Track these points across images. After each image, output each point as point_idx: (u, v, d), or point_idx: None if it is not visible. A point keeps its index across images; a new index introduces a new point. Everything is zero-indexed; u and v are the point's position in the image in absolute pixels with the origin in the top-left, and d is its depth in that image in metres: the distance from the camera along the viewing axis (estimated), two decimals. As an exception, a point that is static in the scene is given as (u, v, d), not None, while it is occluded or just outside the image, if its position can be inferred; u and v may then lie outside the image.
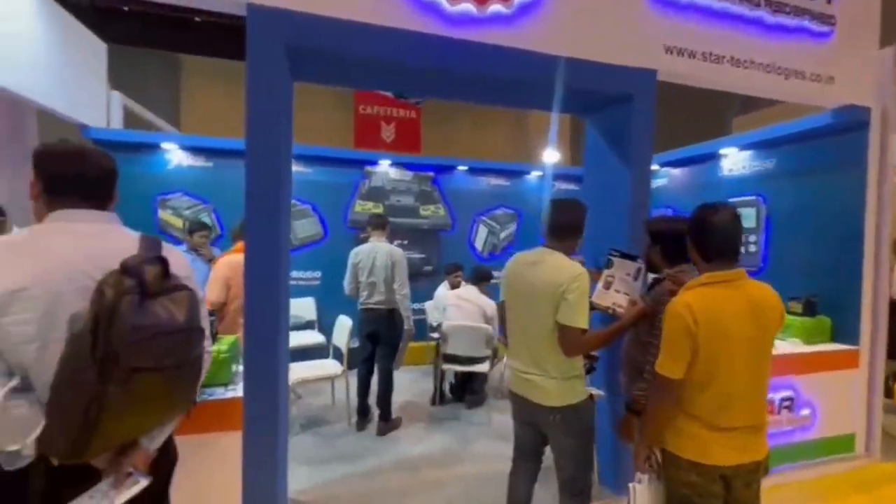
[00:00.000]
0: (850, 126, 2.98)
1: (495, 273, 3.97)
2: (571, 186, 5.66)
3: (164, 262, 1.06)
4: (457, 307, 3.70)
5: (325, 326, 4.42)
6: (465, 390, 3.89)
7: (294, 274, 4.65)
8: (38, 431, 0.95)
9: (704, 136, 4.25)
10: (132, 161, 4.15)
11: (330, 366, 3.53)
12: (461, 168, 5.37)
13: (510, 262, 1.86)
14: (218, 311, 2.72)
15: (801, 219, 3.29)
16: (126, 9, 5.28)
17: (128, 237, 1.15)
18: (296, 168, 4.70)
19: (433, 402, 3.92)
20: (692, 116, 6.31)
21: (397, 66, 2.08)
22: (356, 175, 4.97)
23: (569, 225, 1.77)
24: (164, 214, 4.40)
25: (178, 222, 4.41)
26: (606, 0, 2.30)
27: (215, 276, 2.78)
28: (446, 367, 3.69)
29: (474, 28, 2.07)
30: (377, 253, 3.37)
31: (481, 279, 3.84)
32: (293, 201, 4.56)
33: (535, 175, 5.67)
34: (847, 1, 2.81)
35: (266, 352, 1.84)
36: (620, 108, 2.49)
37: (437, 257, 5.15)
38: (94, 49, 4.06)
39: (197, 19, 5.52)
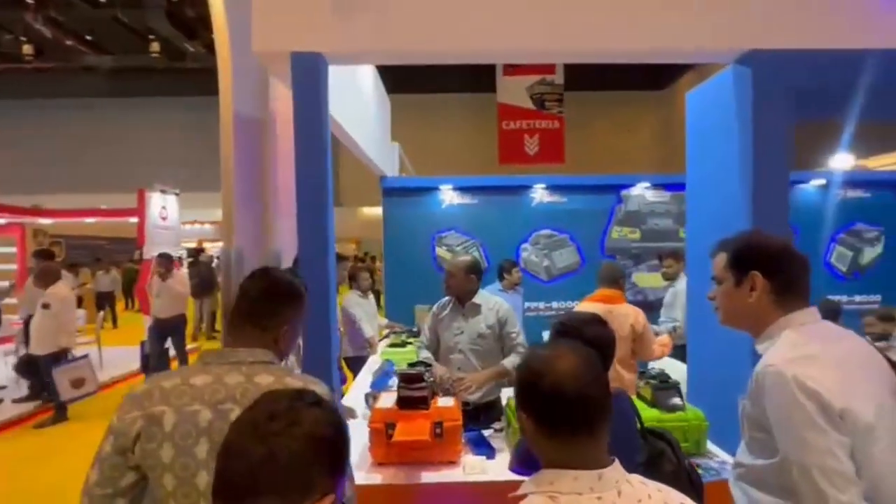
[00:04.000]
0: None
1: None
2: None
3: None
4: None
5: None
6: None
7: (554, 304, 4.65)
8: None
9: None
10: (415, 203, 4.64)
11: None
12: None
13: None
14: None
15: None
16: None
17: None
18: (550, 198, 4.75)
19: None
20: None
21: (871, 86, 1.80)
22: (612, 200, 4.81)
23: None
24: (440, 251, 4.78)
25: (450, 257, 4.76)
26: None
27: None
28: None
29: None
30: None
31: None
32: (549, 231, 4.59)
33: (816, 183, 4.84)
34: None
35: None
36: None
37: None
38: (385, 102, 4.62)
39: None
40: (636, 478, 0.76)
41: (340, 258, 3.51)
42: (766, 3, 1.72)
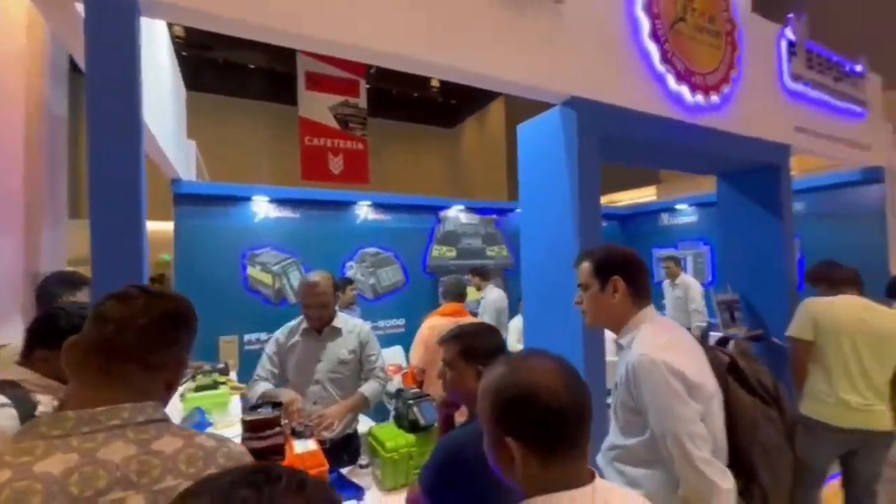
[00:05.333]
0: (868, 180, 3.95)
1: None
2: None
3: None
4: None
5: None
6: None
7: (381, 323, 4.61)
8: None
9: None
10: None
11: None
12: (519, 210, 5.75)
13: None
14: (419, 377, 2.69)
15: (829, 253, 4.17)
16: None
17: None
18: (375, 216, 4.74)
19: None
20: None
21: (656, 144, 2.45)
22: (432, 220, 5.10)
23: None
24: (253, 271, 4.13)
25: (268, 278, 4.17)
26: (763, 95, 2.92)
27: (418, 339, 2.75)
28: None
29: (700, 115, 2.53)
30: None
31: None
32: (375, 249, 4.60)
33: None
34: (868, 90, 3.79)
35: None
36: (759, 172, 3.10)
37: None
38: (181, 90, 3.82)
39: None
40: (605, 483, 0.76)
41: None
42: (586, 59, 2.12)
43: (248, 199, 4.13)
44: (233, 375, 3.32)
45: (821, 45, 3.36)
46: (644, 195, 11.81)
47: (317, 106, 6.38)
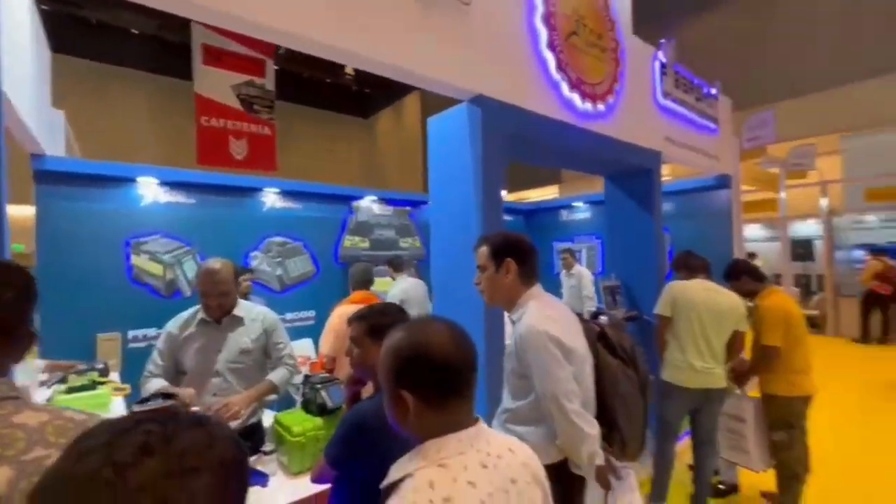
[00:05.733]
0: (720, 185, 4.74)
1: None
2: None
3: None
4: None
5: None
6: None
7: (289, 315, 4.46)
8: None
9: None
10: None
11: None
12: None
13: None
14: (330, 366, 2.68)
15: (692, 245, 4.95)
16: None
17: None
18: (283, 204, 4.56)
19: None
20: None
21: (552, 145, 2.70)
22: (344, 210, 5.01)
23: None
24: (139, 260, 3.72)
25: (157, 269, 3.79)
26: (640, 107, 3.36)
27: (329, 327, 2.74)
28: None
29: (590, 121, 2.84)
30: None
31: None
32: (283, 239, 4.44)
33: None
34: (720, 110, 4.54)
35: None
36: (638, 175, 3.57)
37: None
38: (45, 53, 3.31)
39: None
40: (487, 427, 0.86)
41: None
42: (492, 60, 2.27)
43: (131, 180, 3.70)
44: (115, 376, 2.99)
45: (686, 68, 3.95)
46: (549, 193, 12.76)
47: (216, 83, 5.86)
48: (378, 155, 20.18)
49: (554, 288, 6.27)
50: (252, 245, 4.33)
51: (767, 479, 2.72)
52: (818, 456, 2.70)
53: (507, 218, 6.75)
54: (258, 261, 4.33)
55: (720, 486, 2.92)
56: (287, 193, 4.58)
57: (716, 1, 10.33)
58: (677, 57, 3.77)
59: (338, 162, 19.51)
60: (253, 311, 1.93)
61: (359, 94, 17.55)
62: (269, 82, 6.38)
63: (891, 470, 3.22)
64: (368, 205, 5.20)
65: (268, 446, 1.79)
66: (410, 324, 0.86)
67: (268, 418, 2.08)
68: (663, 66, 3.64)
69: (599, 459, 1.36)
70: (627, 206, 3.69)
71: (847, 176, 8.33)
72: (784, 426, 2.56)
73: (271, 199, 4.49)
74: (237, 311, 1.87)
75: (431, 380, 0.77)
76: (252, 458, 1.77)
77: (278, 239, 4.47)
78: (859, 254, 8.13)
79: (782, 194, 6.14)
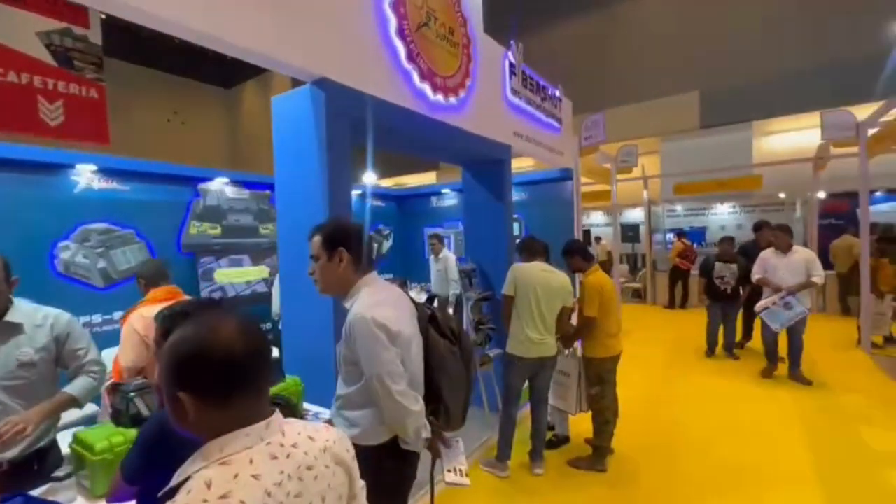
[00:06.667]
0: (565, 177, 5.39)
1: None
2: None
3: None
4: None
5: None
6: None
7: (116, 315, 3.85)
8: None
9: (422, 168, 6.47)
10: None
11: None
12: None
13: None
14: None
15: (542, 229, 5.58)
16: None
17: None
18: (106, 185, 3.90)
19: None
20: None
21: (404, 133, 2.73)
22: (188, 193, 4.44)
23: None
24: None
25: None
26: (490, 102, 3.60)
27: (129, 334, 2.19)
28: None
29: (441, 112, 2.95)
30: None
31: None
32: (106, 226, 3.84)
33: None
34: (563, 111, 5.12)
35: None
36: (491, 166, 3.85)
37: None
38: None
39: None
40: (282, 417, 0.85)
41: None
42: (337, 43, 2.19)
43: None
44: None
45: (534, 71, 4.35)
46: (426, 179, 13.04)
47: (17, 28, 4.59)
48: (243, 132, 18.27)
49: (423, 273, 6.48)
50: (59, 233, 3.59)
51: (590, 429, 3.23)
52: (629, 400, 3.31)
53: (379, 204, 6.75)
54: (70, 252, 3.62)
55: (553, 439, 3.38)
56: (112, 172, 3.88)
57: (564, 13, 11.59)
58: (526, 59, 4.12)
59: (191, 137, 17.17)
60: (38, 315, 1.60)
61: (217, 59, 15.62)
62: (93, 34, 5.25)
63: (684, 407, 4.09)
64: (220, 187, 4.69)
65: (62, 471, 1.52)
66: (191, 321, 0.80)
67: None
68: (512, 66, 3.95)
69: (426, 433, 1.46)
70: (482, 194, 3.97)
71: (664, 173, 10.15)
72: (598, 381, 3.07)
73: (87, 178, 3.76)
74: (12, 317, 1.53)
75: (211, 377, 0.73)
76: (43, 488, 1.50)
77: (99, 226, 3.78)
78: (670, 237, 10.04)
79: (614, 186, 7.20)
